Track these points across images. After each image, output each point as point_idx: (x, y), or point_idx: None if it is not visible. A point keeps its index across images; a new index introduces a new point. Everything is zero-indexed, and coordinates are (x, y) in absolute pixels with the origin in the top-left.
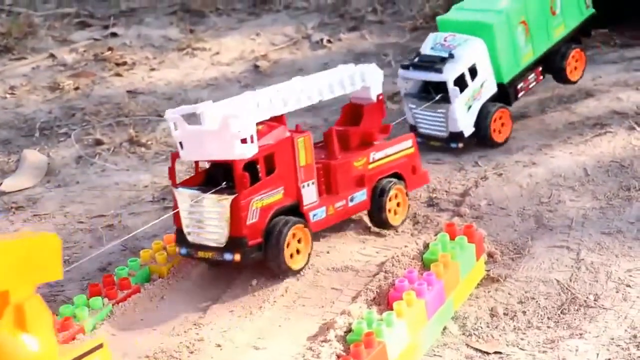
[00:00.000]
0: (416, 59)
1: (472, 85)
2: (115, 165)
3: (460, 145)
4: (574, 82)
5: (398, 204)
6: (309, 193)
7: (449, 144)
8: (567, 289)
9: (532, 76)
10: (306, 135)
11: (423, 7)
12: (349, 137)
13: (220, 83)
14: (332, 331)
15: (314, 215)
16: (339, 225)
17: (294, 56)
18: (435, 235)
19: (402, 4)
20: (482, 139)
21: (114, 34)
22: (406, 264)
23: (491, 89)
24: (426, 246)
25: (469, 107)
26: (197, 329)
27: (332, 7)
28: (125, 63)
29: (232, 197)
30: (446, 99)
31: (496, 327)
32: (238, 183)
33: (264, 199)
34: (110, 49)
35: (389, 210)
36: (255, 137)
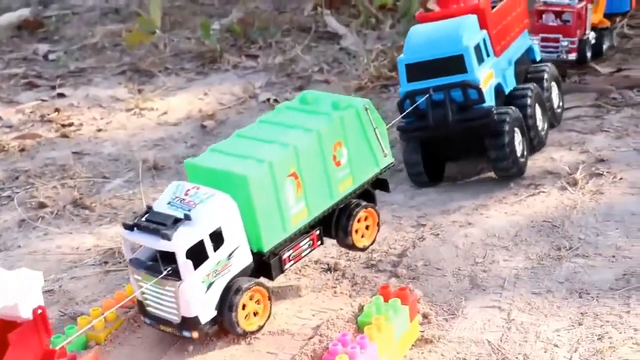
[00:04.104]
0: (144, 217)
1: (214, 256)
2: (58, 229)
3: (195, 334)
4: (362, 250)
5: None
6: None
7: (181, 332)
8: (497, 349)
9: (306, 241)
10: None
11: (368, 67)
12: None
13: (167, 144)
14: None
15: None
16: (278, 290)
17: (241, 116)
18: (372, 297)
19: (348, 64)
20: (228, 326)
21: (61, 95)
22: (341, 327)
23: (244, 261)
24: (361, 309)
25: (210, 285)
26: None
27: (280, 66)
28: (72, 124)
29: None
30: (178, 274)
31: None
32: None
33: None
34: (57, 109)
35: None
36: None
